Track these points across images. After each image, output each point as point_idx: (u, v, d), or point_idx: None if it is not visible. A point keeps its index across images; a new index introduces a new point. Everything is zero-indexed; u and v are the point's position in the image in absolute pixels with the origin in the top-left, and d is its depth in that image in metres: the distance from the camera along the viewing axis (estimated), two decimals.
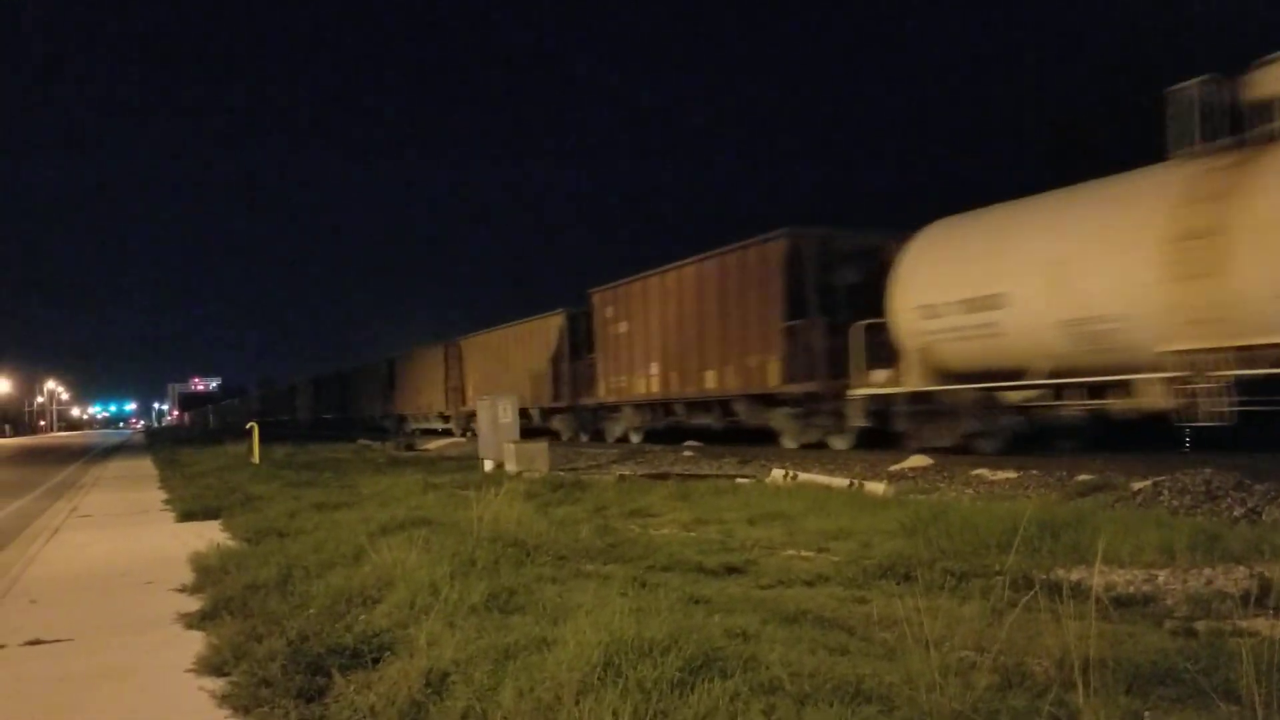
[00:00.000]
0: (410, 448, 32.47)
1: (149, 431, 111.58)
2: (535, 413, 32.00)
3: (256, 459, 23.32)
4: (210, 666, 5.10)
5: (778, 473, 14.52)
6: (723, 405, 21.94)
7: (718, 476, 15.23)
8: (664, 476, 15.54)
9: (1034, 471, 12.80)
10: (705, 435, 23.58)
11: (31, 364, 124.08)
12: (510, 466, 18.08)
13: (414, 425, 46.05)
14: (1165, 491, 9.99)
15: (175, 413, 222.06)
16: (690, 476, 15.37)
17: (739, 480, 14.11)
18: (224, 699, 4.56)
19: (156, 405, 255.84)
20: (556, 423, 31.00)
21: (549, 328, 31.18)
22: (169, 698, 4.72)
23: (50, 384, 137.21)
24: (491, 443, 19.69)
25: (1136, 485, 10.55)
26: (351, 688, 4.39)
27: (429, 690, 4.18)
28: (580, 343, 29.15)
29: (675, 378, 23.38)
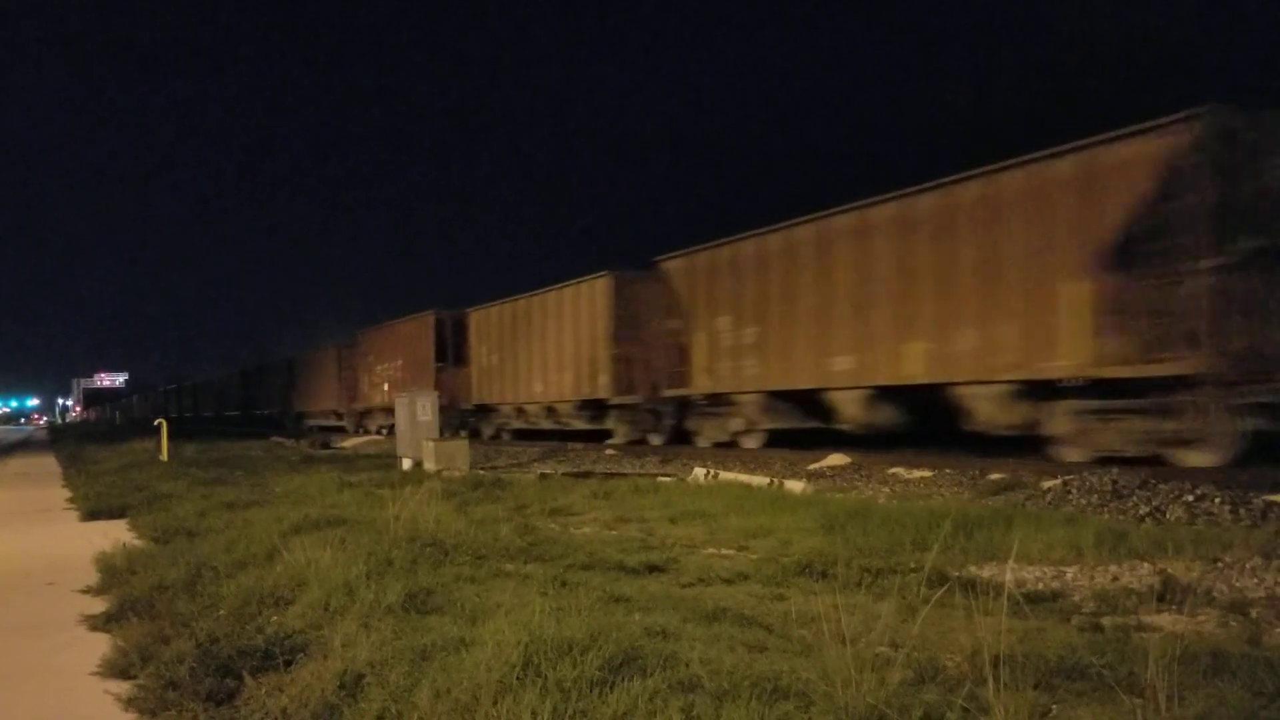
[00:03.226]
0: (325, 445, 31.94)
1: (52, 428, 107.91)
2: (567, 409, 25.80)
3: (165, 456, 22.71)
4: (116, 669, 4.96)
5: (699, 471, 14.60)
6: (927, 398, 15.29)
7: (640, 475, 15.25)
8: (586, 475, 15.52)
9: (948, 470, 13.06)
10: (866, 443, 16.88)
11: None
12: (429, 465, 17.88)
13: (380, 424, 37.36)
14: (1074, 490, 10.27)
15: (79, 409, 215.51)
16: (612, 475, 15.37)
17: (661, 479, 14.16)
18: (130, 702, 4.44)
19: (61, 401, 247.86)
20: (612, 421, 24.34)
21: (598, 295, 24.12)
22: (72, 702, 4.58)
23: None
24: (410, 440, 19.45)
25: (1047, 484, 10.83)
26: (263, 690, 4.30)
27: (343, 692, 4.10)
28: (640, 317, 22.94)
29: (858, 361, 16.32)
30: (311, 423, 46.31)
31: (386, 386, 36.23)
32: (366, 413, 39.61)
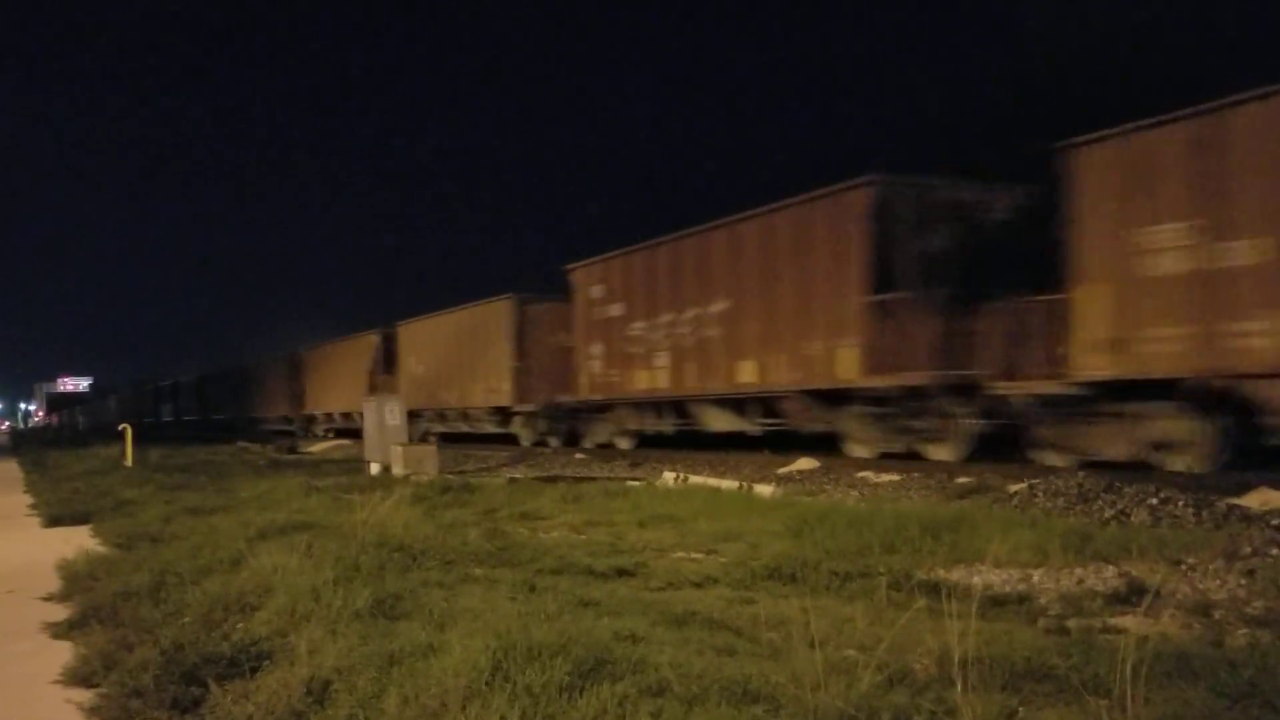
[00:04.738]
0: (292, 450, 31.68)
1: (14, 433, 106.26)
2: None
3: (130, 462, 22.47)
4: (78, 677, 4.90)
5: (668, 475, 14.61)
6: None
7: (609, 479, 15.24)
8: (555, 479, 15.48)
9: (916, 474, 13.13)
10: None
11: None
12: (398, 469, 17.77)
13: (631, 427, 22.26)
14: (1040, 494, 10.33)
15: (42, 414, 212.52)
16: (581, 479, 15.34)
17: (630, 483, 14.14)
18: (92, 710, 4.39)
19: (23, 406, 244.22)
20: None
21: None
22: (34, 710, 4.52)
23: None
24: (378, 445, 19.32)
25: (1013, 488, 10.90)
26: (228, 698, 4.25)
27: (310, 699, 4.07)
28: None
29: None
30: (438, 430, 29.83)
31: (666, 357, 19.95)
32: (604, 409, 22.85)
